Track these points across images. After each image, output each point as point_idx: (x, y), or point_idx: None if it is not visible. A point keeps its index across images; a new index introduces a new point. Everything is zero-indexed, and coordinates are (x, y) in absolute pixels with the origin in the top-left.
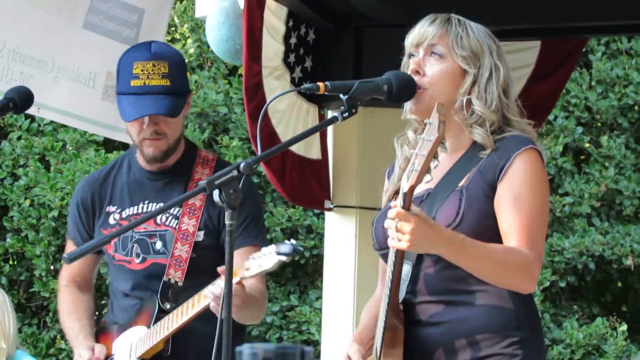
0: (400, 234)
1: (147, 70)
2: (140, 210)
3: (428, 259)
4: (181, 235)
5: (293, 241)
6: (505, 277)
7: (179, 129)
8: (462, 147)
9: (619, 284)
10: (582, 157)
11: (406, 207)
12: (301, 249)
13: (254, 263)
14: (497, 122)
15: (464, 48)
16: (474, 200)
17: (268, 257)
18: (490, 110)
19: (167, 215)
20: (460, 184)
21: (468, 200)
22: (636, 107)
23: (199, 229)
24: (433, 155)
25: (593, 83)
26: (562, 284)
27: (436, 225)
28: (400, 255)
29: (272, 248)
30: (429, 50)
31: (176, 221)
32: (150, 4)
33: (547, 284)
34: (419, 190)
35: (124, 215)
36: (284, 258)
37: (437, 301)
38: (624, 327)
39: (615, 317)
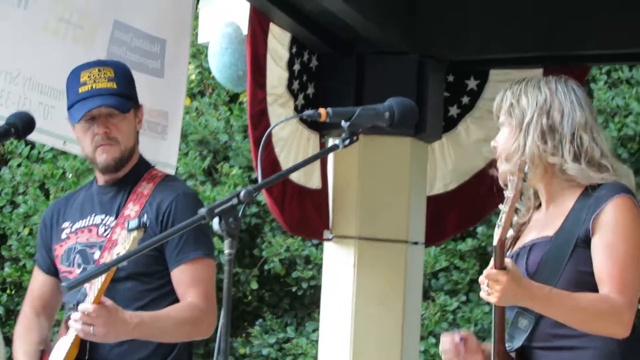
0: (490, 290)
1: (93, 76)
2: (87, 223)
3: None
4: (110, 245)
5: (144, 218)
6: (593, 324)
7: (131, 136)
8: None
9: None
10: None
11: (498, 259)
12: (147, 222)
13: (121, 247)
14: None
15: (514, 116)
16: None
17: (128, 238)
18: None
19: (105, 227)
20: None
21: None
22: (636, 138)
23: None
24: (513, 212)
25: None
26: None
27: (524, 282)
28: (500, 307)
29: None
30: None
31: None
32: (170, 34)
33: None
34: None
35: (73, 229)
36: (134, 233)
37: (546, 347)
38: None
39: None
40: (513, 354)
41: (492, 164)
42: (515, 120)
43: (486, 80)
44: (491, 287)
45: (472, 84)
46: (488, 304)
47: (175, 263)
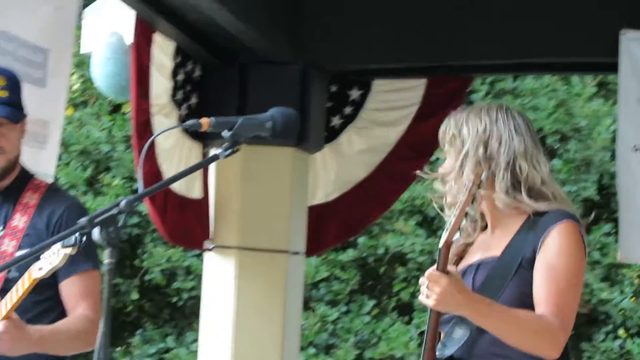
0: (429, 292)
1: None
2: None
3: None
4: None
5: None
6: (528, 341)
7: (17, 147)
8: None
9: None
10: None
11: (441, 261)
12: (81, 241)
13: (45, 262)
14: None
15: (455, 146)
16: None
17: (56, 254)
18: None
19: None
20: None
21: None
22: None
23: (20, 249)
24: (462, 215)
25: None
26: None
27: (465, 290)
28: (435, 312)
29: (59, 245)
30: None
31: None
32: (53, 44)
33: None
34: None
35: None
36: (68, 250)
37: None
38: None
39: None
40: None
41: (375, 174)
42: (455, 150)
43: (369, 91)
44: (430, 288)
45: (355, 94)
46: (368, 314)
47: (66, 275)
